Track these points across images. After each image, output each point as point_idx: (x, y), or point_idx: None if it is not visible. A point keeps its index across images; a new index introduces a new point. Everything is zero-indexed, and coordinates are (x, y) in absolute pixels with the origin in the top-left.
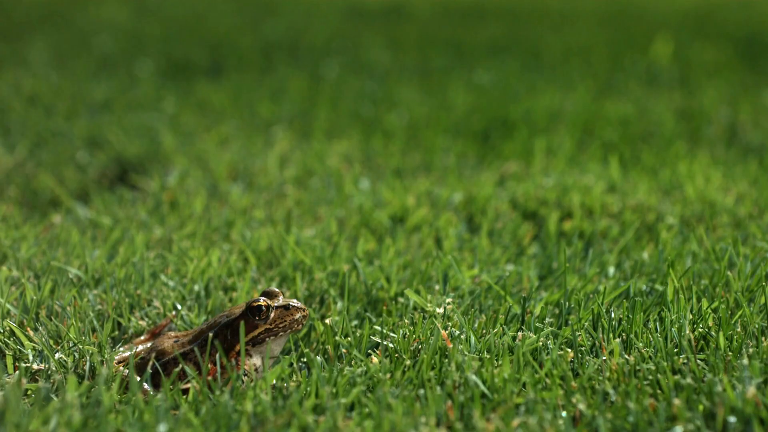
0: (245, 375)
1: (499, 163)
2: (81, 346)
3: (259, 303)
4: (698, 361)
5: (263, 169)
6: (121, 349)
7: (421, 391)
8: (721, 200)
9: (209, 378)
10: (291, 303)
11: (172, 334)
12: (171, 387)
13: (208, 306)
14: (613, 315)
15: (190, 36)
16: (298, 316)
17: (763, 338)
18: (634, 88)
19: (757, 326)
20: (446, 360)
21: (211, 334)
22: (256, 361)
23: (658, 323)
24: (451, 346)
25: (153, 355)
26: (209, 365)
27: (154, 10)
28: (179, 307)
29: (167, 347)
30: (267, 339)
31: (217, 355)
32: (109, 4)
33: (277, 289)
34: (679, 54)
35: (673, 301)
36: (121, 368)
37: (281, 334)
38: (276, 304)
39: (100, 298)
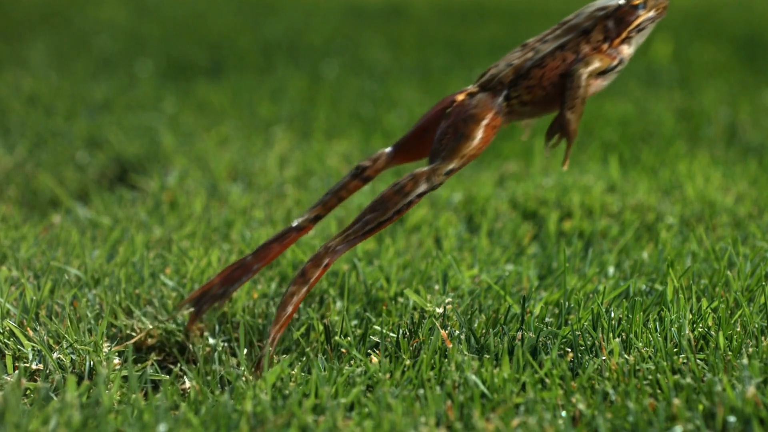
0: (620, 63)
1: (499, 162)
2: (78, 347)
3: None
4: (698, 360)
5: (263, 169)
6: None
7: (421, 391)
8: (721, 200)
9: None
10: None
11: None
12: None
13: None
14: (612, 315)
15: (190, 36)
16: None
17: (763, 338)
18: (634, 88)
19: (756, 326)
20: (446, 360)
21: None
22: (631, 50)
23: (657, 323)
24: (450, 345)
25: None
26: (591, 51)
27: (154, 10)
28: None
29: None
30: (648, 26)
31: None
32: (108, 4)
33: None
34: (679, 54)
35: (673, 301)
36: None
37: (656, 19)
38: None
39: (100, 298)
